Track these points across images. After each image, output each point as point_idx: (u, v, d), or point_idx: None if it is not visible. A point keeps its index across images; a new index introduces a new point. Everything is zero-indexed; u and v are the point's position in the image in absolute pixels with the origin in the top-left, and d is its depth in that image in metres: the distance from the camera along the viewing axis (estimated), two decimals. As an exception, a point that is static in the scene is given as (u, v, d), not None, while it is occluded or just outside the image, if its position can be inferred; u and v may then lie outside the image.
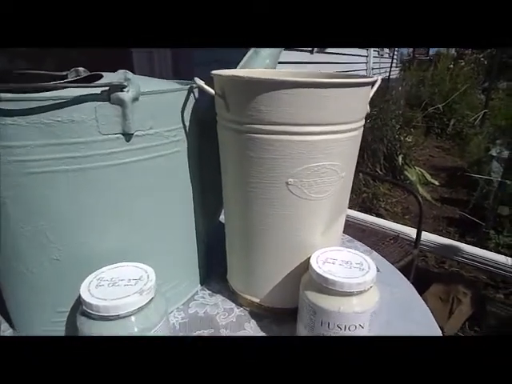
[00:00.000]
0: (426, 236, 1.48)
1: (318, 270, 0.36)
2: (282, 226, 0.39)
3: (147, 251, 0.40)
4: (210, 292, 0.49)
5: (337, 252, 0.39)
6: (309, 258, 0.38)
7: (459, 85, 3.79)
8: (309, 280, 0.38)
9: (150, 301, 0.34)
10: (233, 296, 0.47)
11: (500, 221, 1.69)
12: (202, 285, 0.50)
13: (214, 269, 0.51)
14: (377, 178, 2.22)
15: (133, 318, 0.32)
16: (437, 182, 2.53)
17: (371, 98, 0.39)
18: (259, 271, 0.42)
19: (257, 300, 0.44)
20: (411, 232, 1.44)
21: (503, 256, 1.37)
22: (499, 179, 1.59)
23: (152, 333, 0.33)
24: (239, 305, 0.46)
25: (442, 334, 0.42)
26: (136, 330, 0.32)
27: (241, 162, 0.37)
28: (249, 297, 0.44)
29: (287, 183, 0.36)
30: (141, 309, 0.33)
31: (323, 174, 0.36)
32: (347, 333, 0.35)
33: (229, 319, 0.44)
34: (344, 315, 0.34)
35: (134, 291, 0.33)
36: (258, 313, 0.44)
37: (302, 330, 0.38)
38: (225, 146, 0.40)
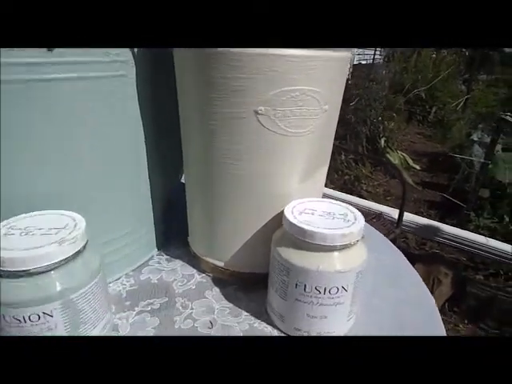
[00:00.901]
0: (408, 217, 1.45)
1: (293, 221, 0.29)
2: (250, 170, 0.32)
3: (85, 201, 0.32)
4: (167, 257, 0.41)
5: (317, 203, 0.32)
6: (283, 210, 0.31)
7: (442, 72, 3.79)
8: (282, 235, 0.31)
9: (77, 254, 0.26)
10: (194, 261, 0.40)
11: (480, 203, 1.68)
12: (159, 250, 0.43)
13: (175, 234, 0.44)
14: (365, 156, 2.17)
15: (52, 275, 0.25)
16: (418, 167, 2.51)
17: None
18: (223, 229, 0.35)
19: (221, 264, 0.37)
20: (393, 212, 1.40)
21: (483, 237, 1.35)
22: (482, 160, 1.56)
23: (79, 294, 0.26)
24: (201, 271, 0.39)
25: (433, 301, 0.36)
26: (57, 289, 0.25)
27: (200, 87, 0.30)
28: (212, 260, 0.37)
29: (257, 112, 0.29)
30: (62, 264, 0.25)
31: (301, 102, 0.29)
32: (327, 297, 0.28)
33: (187, 286, 0.37)
34: (324, 275, 0.28)
35: (52, 241, 0.25)
36: (223, 279, 0.38)
37: (273, 296, 0.31)
38: (181, 67, 0.32)
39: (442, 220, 1.74)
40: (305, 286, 0.28)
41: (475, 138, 2.20)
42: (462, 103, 3.05)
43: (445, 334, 0.32)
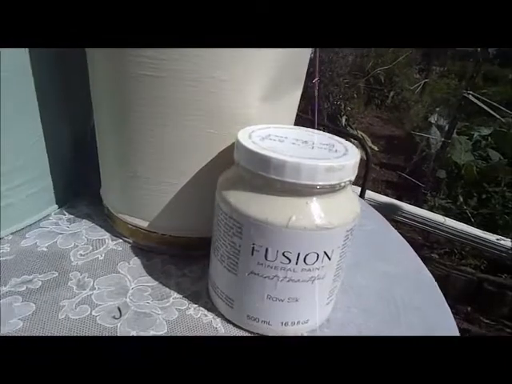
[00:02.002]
0: (369, 194, 1.40)
1: (250, 147, 0.18)
2: (183, 75, 0.20)
3: None
4: (71, 217, 0.29)
5: (287, 130, 0.22)
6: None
7: (400, 57, 3.85)
8: (233, 174, 0.20)
9: None
10: (109, 222, 0.28)
11: (437, 184, 1.68)
12: (60, 207, 0.30)
13: (88, 189, 0.31)
14: (327, 128, 2.11)
15: None
16: (376, 148, 2.51)
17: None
18: (147, 173, 0.24)
19: (144, 224, 0.25)
20: (355, 189, 1.34)
21: (441, 216, 1.34)
22: (443, 139, 1.55)
23: None
24: (117, 235, 0.27)
25: (431, 277, 0.28)
26: None
27: None
28: (131, 219, 0.26)
29: (196, -36, 0.17)
30: None
31: (272, -46, 0.18)
32: (301, 269, 0.18)
33: (92, 256, 0.25)
34: (298, 233, 0.17)
35: None
36: (148, 246, 0.26)
37: (218, 269, 0.21)
38: None
39: (399, 200, 1.73)
40: (266, 251, 0.18)
41: (432, 121, 2.22)
42: (420, 87, 3.09)
43: (452, 319, 0.24)
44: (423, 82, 3.07)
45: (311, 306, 0.20)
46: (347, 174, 0.18)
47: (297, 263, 0.18)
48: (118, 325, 0.20)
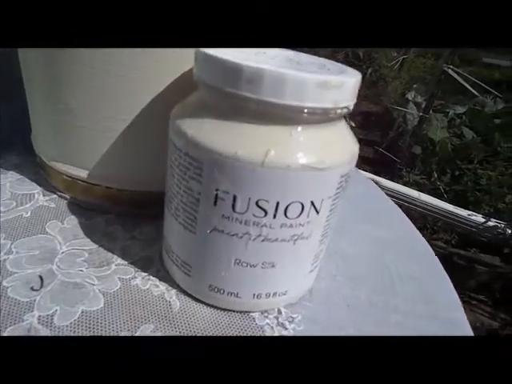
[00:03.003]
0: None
1: (216, 55, 0.13)
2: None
3: None
4: (-7, 167, 0.23)
5: (268, 49, 0.17)
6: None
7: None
8: (193, 100, 0.15)
9: None
10: (42, 175, 0.23)
11: (412, 160, 1.68)
12: (-19, 156, 0.24)
13: (19, 137, 0.25)
14: None
15: None
16: (353, 124, 2.50)
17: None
18: (84, 106, 0.18)
19: (83, 175, 0.20)
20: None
21: (416, 191, 1.35)
22: (421, 114, 1.54)
23: None
24: (51, 190, 0.22)
25: (427, 245, 0.24)
26: None
27: None
28: (66, 169, 0.20)
29: None
30: None
31: None
32: (280, 224, 0.14)
33: (13, 213, 0.20)
34: (277, 175, 0.13)
35: None
36: (88, 203, 0.21)
37: (172, 228, 0.16)
38: None
39: (375, 175, 1.73)
40: (234, 199, 0.13)
41: (409, 98, 2.21)
42: (398, 63, 3.07)
43: (452, 289, 0.21)
44: (401, 58, 3.05)
45: (291, 274, 0.16)
46: (345, 96, 0.13)
47: (275, 216, 0.13)
48: (37, 298, 0.15)
